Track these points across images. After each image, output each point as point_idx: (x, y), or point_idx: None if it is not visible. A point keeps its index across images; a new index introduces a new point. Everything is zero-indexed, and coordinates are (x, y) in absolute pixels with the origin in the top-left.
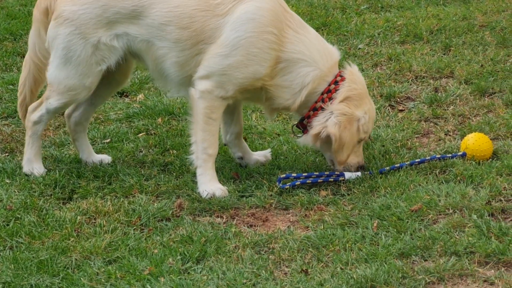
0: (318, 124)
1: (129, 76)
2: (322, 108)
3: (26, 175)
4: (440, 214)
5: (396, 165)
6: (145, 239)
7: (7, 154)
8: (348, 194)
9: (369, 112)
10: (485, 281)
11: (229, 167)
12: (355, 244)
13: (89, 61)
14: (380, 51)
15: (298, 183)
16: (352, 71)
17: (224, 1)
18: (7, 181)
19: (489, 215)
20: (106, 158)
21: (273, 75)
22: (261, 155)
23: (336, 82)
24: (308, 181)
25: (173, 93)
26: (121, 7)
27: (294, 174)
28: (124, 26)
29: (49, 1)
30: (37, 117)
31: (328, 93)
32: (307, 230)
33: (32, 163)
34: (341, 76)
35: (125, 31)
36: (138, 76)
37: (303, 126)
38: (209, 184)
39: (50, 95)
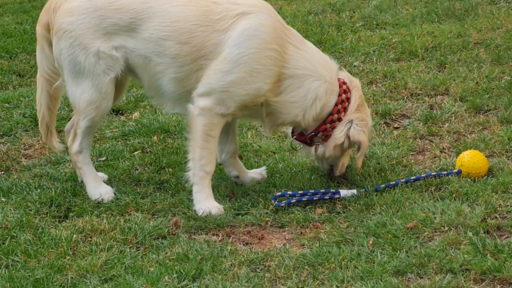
0: (341, 134)
1: (124, 92)
2: (339, 119)
3: (99, 202)
4: (436, 232)
5: (391, 183)
6: (141, 257)
7: (3, 172)
8: (344, 212)
9: (370, 116)
10: None
11: (224, 185)
12: (350, 261)
13: (95, 71)
14: (376, 68)
15: (293, 201)
16: (350, 78)
17: (224, 16)
18: (3, 199)
19: (484, 233)
20: (101, 176)
21: (278, 92)
22: (257, 173)
23: (344, 91)
24: (303, 198)
25: (169, 109)
26: (118, 19)
27: (289, 192)
28: (122, 39)
29: (49, 16)
30: (77, 146)
31: (342, 103)
32: (302, 248)
33: (97, 189)
34: (344, 83)
35: (122, 43)
36: (134, 94)
37: (311, 139)
38: (205, 202)
39: (78, 119)
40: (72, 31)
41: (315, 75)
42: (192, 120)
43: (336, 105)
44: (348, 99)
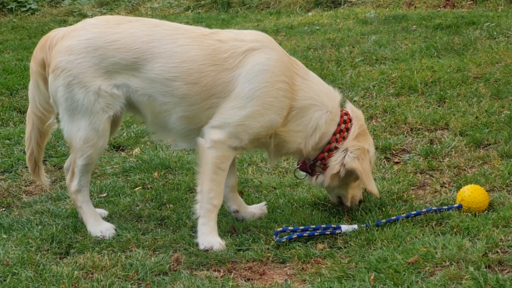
0: (336, 163)
1: (119, 127)
2: (336, 148)
3: (99, 237)
4: (437, 266)
5: (392, 218)
6: None
7: (3, 209)
8: (345, 247)
9: (372, 145)
10: None
11: (226, 221)
12: None
13: (94, 109)
14: (375, 103)
15: (295, 236)
16: (353, 109)
17: (232, 54)
18: (4, 236)
19: (486, 267)
20: (102, 212)
21: (286, 122)
22: (257, 208)
23: (344, 121)
24: (305, 234)
25: (175, 145)
26: (120, 58)
27: (291, 228)
28: (124, 78)
29: (44, 53)
30: (76, 185)
31: (341, 133)
32: (304, 284)
33: (97, 227)
34: (346, 114)
35: (124, 82)
36: (134, 130)
37: (311, 168)
38: (209, 236)
39: (74, 157)
40: (70, 70)
41: (319, 105)
42: (203, 153)
43: (334, 134)
44: (347, 129)
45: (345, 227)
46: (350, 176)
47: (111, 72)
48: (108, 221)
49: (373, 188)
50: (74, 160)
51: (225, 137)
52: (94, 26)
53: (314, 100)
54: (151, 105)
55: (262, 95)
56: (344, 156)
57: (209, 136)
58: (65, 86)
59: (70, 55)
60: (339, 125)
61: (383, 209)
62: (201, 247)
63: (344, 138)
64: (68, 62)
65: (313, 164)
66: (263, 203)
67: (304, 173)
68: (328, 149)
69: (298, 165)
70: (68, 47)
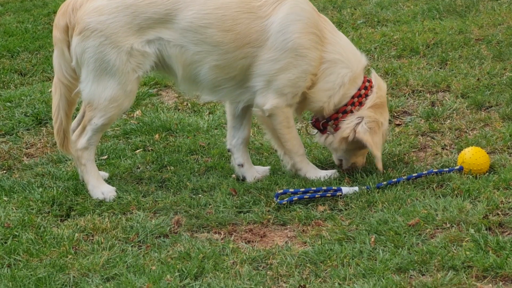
0: (347, 127)
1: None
2: (351, 112)
3: (101, 201)
4: (438, 229)
5: (393, 180)
6: (143, 256)
7: (4, 171)
8: (346, 209)
9: (387, 120)
10: None
11: (226, 183)
12: (352, 259)
13: (125, 69)
14: (377, 65)
15: (295, 198)
16: (377, 78)
17: (264, 3)
18: (4, 198)
19: (486, 229)
20: (103, 174)
21: (316, 80)
22: (260, 170)
23: (365, 88)
24: (305, 196)
25: (206, 98)
26: (153, 12)
27: (291, 190)
28: (157, 31)
29: (67, 17)
30: (85, 142)
31: (359, 98)
32: (305, 246)
33: (99, 188)
34: (368, 81)
35: (157, 35)
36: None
37: (324, 126)
38: (316, 172)
39: (92, 115)
40: (102, 30)
41: (346, 62)
42: (266, 122)
43: (353, 97)
44: (366, 95)
45: (346, 189)
46: (357, 144)
47: (143, 28)
48: (109, 183)
49: (379, 163)
50: (90, 119)
51: (276, 100)
52: None
53: (342, 56)
54: (183, 56)
55: (293, 46)
56: (358, 124)
57: (263, 107)
58: (95, 47)
59: (100, 15)
60: (359, 89)
61: (384, 171)
62: (321, 178)
63: (361, 104)
64: (99, 22)
65: (326, 122)
66: (267, 167)
67: (315, 130)
68: (343, 111)
69: (312, 120)
70: (98, 7)
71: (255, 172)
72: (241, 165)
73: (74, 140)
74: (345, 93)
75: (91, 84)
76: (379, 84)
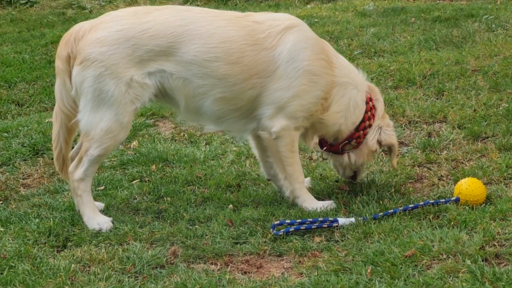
0: (374, 141)
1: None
2: (370, 126)
3: (95, 230)
4: (434, 260)
5: (389, 211)
6: (139, 286)
7: (1, 202)
8: (342, 240)
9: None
10: None
11: (223, 214)
12: None
13: (123, 100)
14: None
15: (292, 229)
16: (371, 86)
17: (270, 34)
18: (1, 229)
19: (483, 260)
20: (99, 205)
21: (328, 104)
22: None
23: (370, 99)
24: (302, 227)
25: (208, 128)
26: (154, 45)
27: (288, 221)
28: (158, 64)
29: (69, 47)
30: (81, 173)
31: (371, 110)
32: (301, 277)
33: (95, 220)
34: (366, 92)
35: (159, 68)
36: (132, 123)
37: (343, 147)
38: (312, 202)
39: (89, 146)
40: (103, 61)
41: (353, 84)
42: (271, 144)
43: (366, 112)
44: (374, 106)
45: (342, 220)
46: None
47: (144, 60)
48: (105, 214)
49: (395, 162)
50: (87, 149)
51: (286, 123)
52: (123, 17)
53: (350, 78)
54: (186, 89)
55: (305, 73)
56: (380, 133)
57: (271, 129)
58: (95, 77)
59: (101, 46)
60: (367, 103)
61: (381, 202)
62: (310, 209)
63: (373, 116)
64: (99, 53)
65: (348, 143)
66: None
67: (328, 154)
68: (363, 128)
69: (323, 147)
70: (99, 39)
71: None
72: (270, 180)
73: (71, 171)
74: (360, 112)
75: (89, 114)
76: (376, 91)
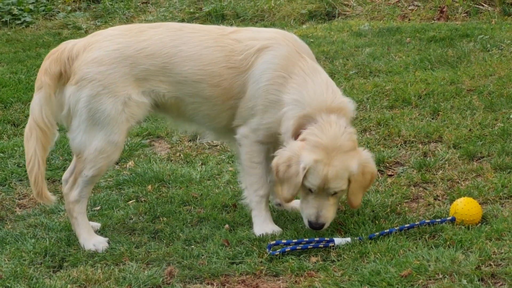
0: None
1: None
2: None
3: (91, 250)
4: (430, 279)
5: (385, 231)
6: None
7: None
8: (338, 260)
9: None
10: None
11: (219, 234)
12: None
13: (119, 119)
14: (369, 116)
15: (288, 249)
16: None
17: (246, 55)
18: None
19: (479, 280)
20: (95, 225)
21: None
22: (298, 203)
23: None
24: (298, 247)
25: (204, 136)
26: (150, 64)
27: (284, 241)
28: (153, 84)
29: (62, 65)
30: (76, 195)
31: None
32: None
33: (90, 241)
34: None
35: (153, 88)
36: (128, 143)
37: None
38: (263, 225)
39: (82, 167)
40: (100, 80)
41: (302, 103)
42: (238, 151)
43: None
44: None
45: (338, 240)
46: None
47: (140, 79)
48: (101, 234)
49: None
50: (81, 171)
51: (247, 132)
52: (118, 36)
53: (300, 96)
54: (178, 105)
55: (264, 94)
56: None
57: (237, 135)
58: (91, 96)
59: (99, 66)
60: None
61: (377, 222)
62: (258, 234)
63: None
64: (97, 73)
65: None
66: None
67: None
68: None
69: None
70: (96, 58)
71: (294, 206)
72: (279, 204)
73: (66, 193)
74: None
75: (82, 134)
76: (344, 114)
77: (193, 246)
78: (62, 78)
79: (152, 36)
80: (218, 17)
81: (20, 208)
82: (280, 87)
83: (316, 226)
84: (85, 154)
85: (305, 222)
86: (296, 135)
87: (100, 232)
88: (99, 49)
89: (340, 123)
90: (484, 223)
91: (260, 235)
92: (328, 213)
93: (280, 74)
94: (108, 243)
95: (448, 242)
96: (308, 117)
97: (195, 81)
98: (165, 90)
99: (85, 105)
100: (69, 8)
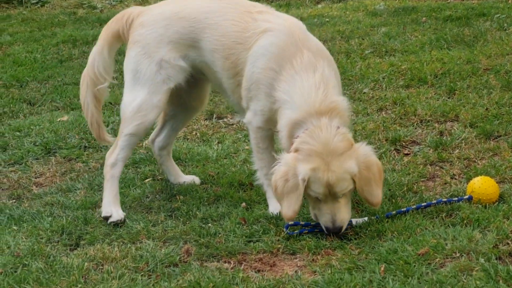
0: None
1: (205, 101)
2: None
3: (105, 218)
4: (447, 258)
5: (402, 209)
6: (152, 285)
7: (14, 200)
8: (355, 239)
9: None
10: None
11: (236, 212)
12: None
13: (155, 79)
14: (385, 95)
15: (306, 231)
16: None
17: (252, 34)
18: (14, 227)
19: (496, 259)
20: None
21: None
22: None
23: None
24: (316, 230)
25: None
26: (180, 27)
27: (302, 222)
28: (185, 48)
29: (122, 26)
30: (113, 158)
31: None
32: (314, 275)
33: (111, 206)
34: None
35: (186, 53)
36: None
37: None
38: (277, 205)
39: (122, 127)
40: (140, 41)
41: (291, 103)
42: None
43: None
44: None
45: (355, 220)
46: None
47: (173, 42)
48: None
49: None
50: (121, 131)
51: (250, 118)
52: (166, 3)
53: (289, 96)
54: (209, 72)
55: (256, 80)
56: None
57: (244, 119)
58: (133, 57)
59: (142, 28)
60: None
61: (393, 201)
62: (274, 213)
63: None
64: (139, 35)
65: None
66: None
67: None
68: None
69: None
70: (142, 22)
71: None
72: None
73: (107, 156)
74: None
75: (126, 94)
76: (340, 117)
77: (210, 224)
78: (120, 39)
79: (191, 2)
80: None
81: (36, 187)
82: (271, 81)
83: (334, 231)
84: (125, 113)
85: (323, 228)
86: (290, 140)
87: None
88: (147, 14)
89: (331, 125)
90: (501, 202)
91: (277, 214)
92: (343, 214)
93: (272, 67)
94: (125, 220)
95: (465, 221)
96: (299, 122)
97: (211, 50)
98: (195, 55)
99: (129, 65)
100: None
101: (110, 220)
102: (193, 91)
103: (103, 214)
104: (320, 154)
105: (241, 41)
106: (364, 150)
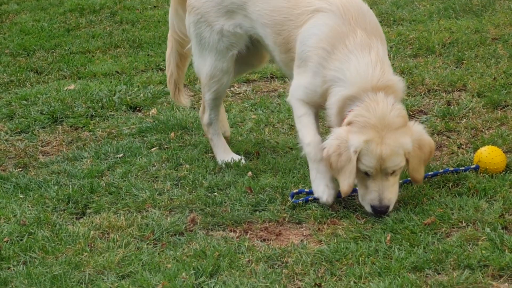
0: None
1: (265, 61)
2: None
3: (226, 165)
4: (453, 228)
5: (408, 179)
6: (158, 253)
7: (20, 169)
8: (361, 208)
9: None
10: None
11: (241, 181)
12: (368, 257)
13: (218, 47)
14: (393, 64)
15: (311, 198)
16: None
17: (303, 12)
18: (20, 196)
19: (502, 228)
20: (238, 158)
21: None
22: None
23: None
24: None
25: None
26: None
27: (307, 190)
28: (239, 17)
29: None
30: (207, 118)
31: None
32: (320, 244)
33: (226, 156)
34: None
35: (240, 22)
36: (151, 91)
37: None
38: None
39: (203, 91)
40: (198, 8)
41: (343, 80)
42: None
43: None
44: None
45: None
46: None
47: (230, 11)
48: (124, 181)
49: None
50: (204, 95)
51: (292, 90)
52: None
53: (342, 74)
54: (263, 43)
55: (306, 59)
56: None
57: (288, 92)
58: (194, 23)
59: None
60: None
61: None
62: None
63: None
64: (196, 0)
65: None
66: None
67: None
68: None
69: None
70: None
71: None
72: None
73: (200, 116)
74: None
75: (197, 58)
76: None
77: (216, 194)
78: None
79: None
80: None
81: (43, 155)
82: (322, 61)
83: (380, 210)
84: (201, 78)
85: (368, 209)
86: (340, 116)
87: (123, 179)
88: None
89: (387, 101)
90: (508, 171)
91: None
92: (391, 194)
93: (323, 47)
94: (244, 161)
95: (471, 191)
96: (353, 98)
97: (262, 24)
98: (248, 26)
99: (193, 30)
100: None
101: (235, 160)
102: (254, 51)
103: (223, 162)
104: (375, 127)
105: (292, 17)
106: (418, 129)
